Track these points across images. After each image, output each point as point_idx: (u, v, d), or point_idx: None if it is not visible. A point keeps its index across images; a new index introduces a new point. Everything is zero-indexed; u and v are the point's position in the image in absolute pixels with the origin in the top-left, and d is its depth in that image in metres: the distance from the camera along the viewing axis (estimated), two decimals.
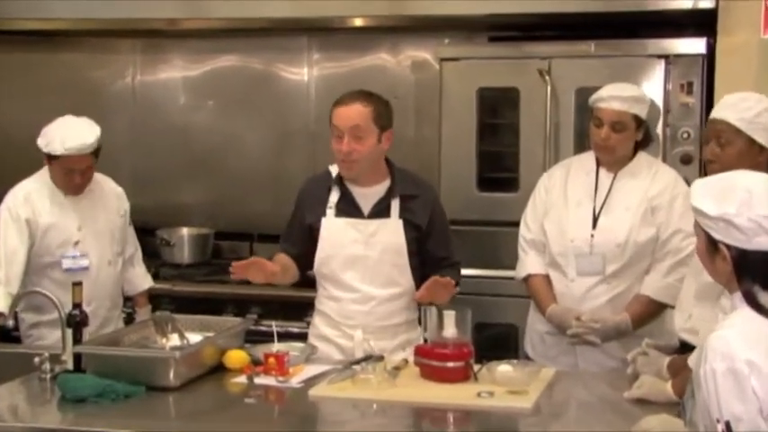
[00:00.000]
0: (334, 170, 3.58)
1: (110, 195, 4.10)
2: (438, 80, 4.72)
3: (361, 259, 3.49)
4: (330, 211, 3.53)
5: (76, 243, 3.93)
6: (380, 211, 3.52)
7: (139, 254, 4.31)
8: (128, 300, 4.30)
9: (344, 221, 3.51)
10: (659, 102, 4.17)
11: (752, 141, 3.13)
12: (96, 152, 3.89)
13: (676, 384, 2.87)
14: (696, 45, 4.40)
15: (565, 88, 4.51)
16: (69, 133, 3.82)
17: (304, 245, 3.59)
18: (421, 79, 5.30)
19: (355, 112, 3.43)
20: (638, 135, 3.62)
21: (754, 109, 3.15)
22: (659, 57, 4.41)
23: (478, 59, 4.68)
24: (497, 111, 4.77)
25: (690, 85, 4.40)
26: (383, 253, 3.49)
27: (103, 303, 3.99)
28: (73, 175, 3.88)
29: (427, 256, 3.57)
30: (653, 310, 3.57)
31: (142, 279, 4.30)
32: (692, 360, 2.65)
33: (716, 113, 3.21)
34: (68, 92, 5.58)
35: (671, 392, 2.88)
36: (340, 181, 3.54)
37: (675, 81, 4.41)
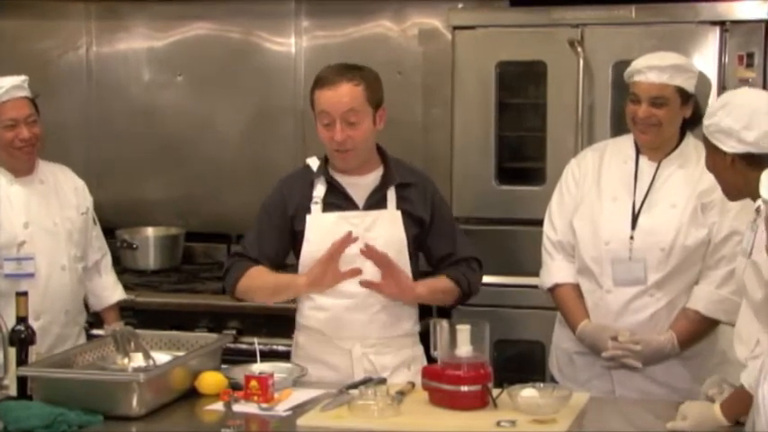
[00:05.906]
0: (313, 163, 3.62)
1: (66, 188, 4.13)
2: (450, 52, 4.78)
3: (360, 258, 3.52)
4: (316, 207, 3.56)
5: (22, 244, 3.95)
6: (376, 202, 3.58)
7: (108, 260, 4.33)
8: (95, 315, 4.31)
9: (335, 216, 3.55)
10: (713, 77, 4.21)
11: None
12: (35, 105, 3.98)
13: (727, 407, 2.90)
14: (758, 10, 4.45)
15: (600, 62, 4.57)
16: None
17: (279, 255, 3.66)
18: (430, 51, 5.35)
19: (347, 94, 3.45)
20: (686, 111, 3.60)
21: None
22: (713, 23, 4.46)
23: (498, 27, 4.73)
24: (520, 89, 4.82)
25: (750, 56, 4.44)
26: (383, 249, 3.52)
27: (57, 318, 3.99)
28: (18, 129, 3.90)
29: (428, 254, 3.64)
30: (703, 328, 3.60)
31: (111, 290, 4.30)
32: (746, 378, 2.71)
33: None
34: (8, 65, 5.59)
35: (721, 417, 2.90)
36: (325, 171, 3.57)
37: (733, 52, 4.46)
